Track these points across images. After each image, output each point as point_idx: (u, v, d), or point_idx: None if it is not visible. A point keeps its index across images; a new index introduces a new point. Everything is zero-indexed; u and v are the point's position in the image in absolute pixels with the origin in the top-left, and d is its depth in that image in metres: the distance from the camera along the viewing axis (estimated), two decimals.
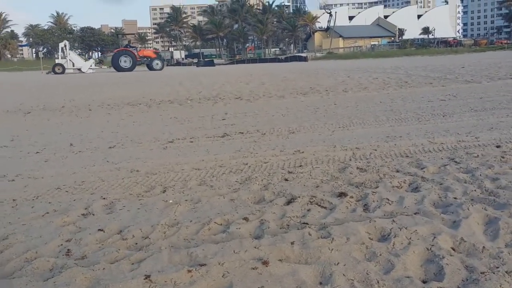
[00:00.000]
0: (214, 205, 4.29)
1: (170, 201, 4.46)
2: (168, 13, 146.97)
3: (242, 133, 8.39)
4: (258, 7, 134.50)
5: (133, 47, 56.86)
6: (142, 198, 4.64)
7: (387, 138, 7.19)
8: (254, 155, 6.37)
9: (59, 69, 50.58)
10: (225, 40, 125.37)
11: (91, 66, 53.36)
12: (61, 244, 3.52)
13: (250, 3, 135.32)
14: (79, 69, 51.55)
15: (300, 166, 5.64)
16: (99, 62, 54.26)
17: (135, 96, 17.00)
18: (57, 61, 53.40)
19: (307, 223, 3.68)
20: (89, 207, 4.38)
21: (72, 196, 4.79)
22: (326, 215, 3.87)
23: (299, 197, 4.32)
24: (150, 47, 60.91)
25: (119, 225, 3.88)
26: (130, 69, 49.91)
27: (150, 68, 51.32)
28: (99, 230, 3.77)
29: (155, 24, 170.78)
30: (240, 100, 14.48)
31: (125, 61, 50.38)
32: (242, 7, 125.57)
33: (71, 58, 52.43)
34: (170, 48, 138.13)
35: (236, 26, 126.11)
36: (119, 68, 50.00)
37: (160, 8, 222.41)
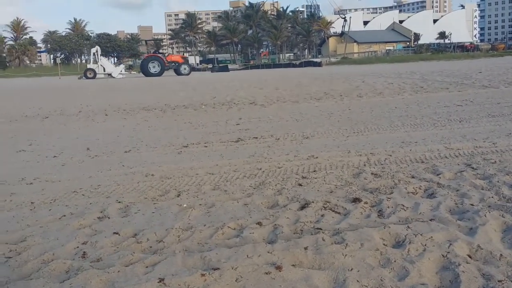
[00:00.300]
0: (228, 209, 4.30)
1: (184, 205, 4.48)
2: (183, 19, 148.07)
3: (256, 138, 8.39)
4: (273, 13, 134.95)
5: (161, 53, 58.06)
6: (157, 202, 4.67)
7: (402, 144, 7.14)
8: (268, 160, 6.38)
9: (90, 74, 51.93)
10: (239, 45, 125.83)
11: (121, 71, 54.59)
12: (77, 247, 3.55)
13: (265, 9, 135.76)
14: (110, 74, 52.92)
15: (314, 171, 5.63)
16: (129, 67, 55.20)
17: (150, 101, 17.11)
18: (88, 66, 54.90)
19: (320, 229, 3.67)
20: (104, 210, 4.42)
21: (88, 200, 4.84)
22: (340, 221, 3.86)
23: (312, 202, 4.31)
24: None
25: (134, 228, 3.91)
26: (159, 74, 50.75)
27: (178, 73, 52.07)
28: (114, 233, 3.80)
29: (170, 30, 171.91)
30: (254, 105, 14.50)
31: (153, 67, 51.27)
32: (257, 12, 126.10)
33: (102, 64, 53.97)
34: (185, 54, 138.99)
35: (250, 31, 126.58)
36: (148, 74, 50.90)
37: (175, 14, 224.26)
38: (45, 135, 10.06)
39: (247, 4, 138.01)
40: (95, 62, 53.45)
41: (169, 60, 52.89)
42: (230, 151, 7.25)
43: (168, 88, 24.89)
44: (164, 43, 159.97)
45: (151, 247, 3.53)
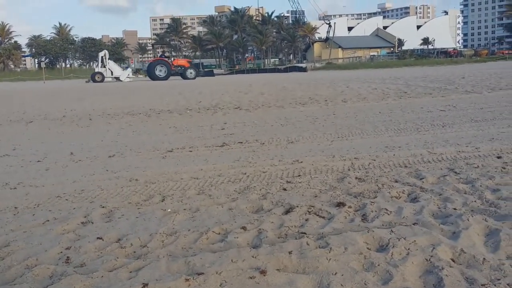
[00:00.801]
0: (212, 214, 4.30)
1: (169, 210, 4.47)
2: (168, 24, 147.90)
3: (241, 142, 8.40)
4: (258, 18, 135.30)
5: (167, 57, 58.57)
6: (141, 207, 4.64)
7: (386, 148, 7.20)
8: (252, 164, 6.38)
9: (98, 77, 52.41)
10: (224, 50, 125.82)
11: (128, 75, 54.83)
12: (61, 252, 3.53)
13: (250, 14, 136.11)
14: (118, 78, 53.34)
15: (299, 176, 5.65)
16: (136, 71, 55.51)
17: (135, 105, 17.03)
18: (96, 69, 55.24)
19: (305, 233, 3.68)
20: (88, 215, 4.39)
21: (72, 205, 4.80)
22: (324, 225, 3.87)
23: (297, 206, 4.33)
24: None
25: (118, 233, 3.89)
26: (165, 78, 50.95)
27: (184, 77, 52.26)
28: (98, 238, 3.77)
29: (155, 34, 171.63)
30: (239, 110, 14.51)
31: (160, 70, 51.40)
32: (242, 18, 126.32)
33: (110, 67, 54.43)
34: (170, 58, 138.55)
35: (235, 36, 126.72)
36: (154, 77, 51.00)
37: (160, 19, 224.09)
38: (29, 139, 9.96)
39: (232, 9, 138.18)
40: (103, 66, 53.70)
41: (175, 64, 53.22)
42: (215, 156, 7.24)
43: (154, 93, 24.78)
44: (149, 47, 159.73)
45: (135, 252, 3.52)
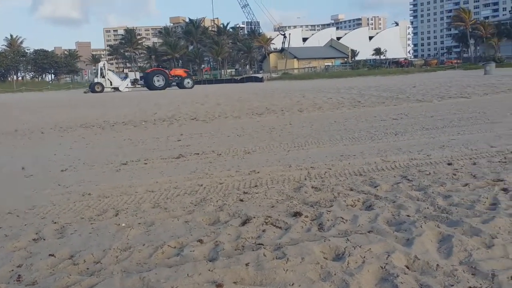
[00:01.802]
0: (168, 227, 4.22)
1: (123, 225, 4.36)
2: (122, 35, 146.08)
3: (198, 154, 8.32)
4: (213, 29, 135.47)
5: (164, 67, 58.91)
6: (94, 222, 4.51)
7: (341, 157, 7.28)
8: (209, 176, 6.33)
9: (98, 87, 52.15)
10: (180, 61, 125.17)
11: (127, 85, 54.42)
12: (12, 270, 3.39)
13: (205, 25, 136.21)
14: (117, 88, 53.02)
15: (256, 186, 5.63)
16: (134, 81, 55.13)
17: (89, 118, 16.67)
18: (96, 80, 54.71)
19: (262, 244, 3.66)
20: (40, 231, 4.24)
21: (23, 221, 4.62)
22: (281, 235, 3.86)
23: (254, 217, 4.30)
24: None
25: (70, 250, 3.76)
26: (163, 87, 51.41)
27: (181, 86, 52.78)
28: (50, 255, 3.64)
29: (109, 45, 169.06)
30: (196, 121, 14.42)
31: (158, 80, 52.06)
32: (197, 28, 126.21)
33: (110, 78, 54.11)
34: (124, 70, 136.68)
35: (191, 47, 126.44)
36: (152, 87, 51.26)
37: (114, 30, 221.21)
38: None
39: (187, 20, 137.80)
40: (103, 76, 53.35)
41: (172, 74, 53.96)
42: (170, 168, 7.14)
43: (109, 105, 24.35)
44: (102, 59, 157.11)
45: (88, 268, 3.40)
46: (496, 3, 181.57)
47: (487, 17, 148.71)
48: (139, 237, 4.02)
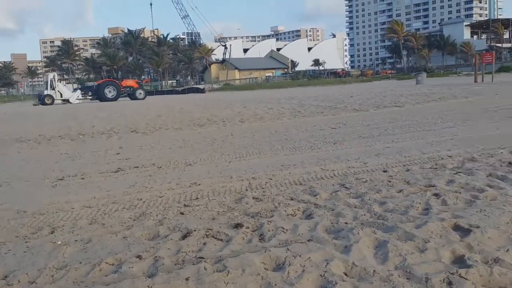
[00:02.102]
0: (106, 244, 4.10)
1: (59, 243, 4.20)
2: (59, 46, 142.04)
3: (137, 167, 8.17)
4: (153, 40, 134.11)
5: (116, 78, 57.47)
6: (29, 241, 4.32)
7: (282, 167, 7.35)
8: (149, 189, 6.22)
9: (48, 100, 49.89)
10: (120, 72, 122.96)
11: (78, 97, 52.34)
12: None
13: (144, 36, 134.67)
14: (67, 100, 50.83)
15: (197, 198, 5.59)
16: (85, 93, 53.10)
17: (24, 132, 16.01)
18: (46, 92, 52.25)
19: (202, 257, 3.62)
20: None
21: None
22: (222, 248, 3.84)
23: (194, 230, 4.26)
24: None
25: (4, 270, 3.60)
26: (115, 99, 50.08)
27: (133, 97, 51.60)
28: None
29: (45, 57, 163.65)
30: (136, 133, 14.16)
31: (109, 91, 50.71)
32: (136, 39, 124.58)
33: (60, 89, 51.86)
34: (62, 82, 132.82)
35: (131, 58, 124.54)
36: (103, 98, 49.68)
37: (50, 41, 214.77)
38: None
39: (126, 30, 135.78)
40: (53, 88, 51.25)
41: (124, 85, 52.85)
42: (109, 182, 6.96)
43: (46, 118, 23.50)
44: (39, 71, 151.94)
45: None
46: (426, 16, 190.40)
47: (418, 29, 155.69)
48: (75, 255, 3.88)
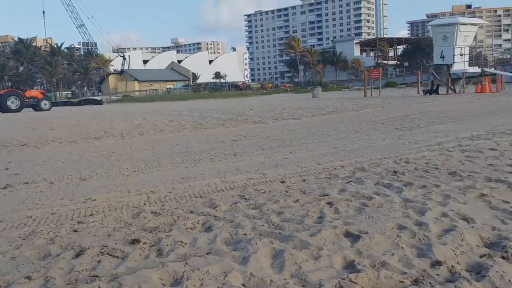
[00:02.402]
0: None
1: None
2: None
3: (28, 183, 7.69)
4: (46, 49, 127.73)
5: (19, 88, 53.37)
6: None
7: (182, 180, 7.29)
8: (40, 206, 5.87)
9: None
10: (9, 82, 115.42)
11: None
12: None
13: (37, 45, 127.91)
14: None
15: (91, 215, 5.37)
16: None
17: None
18: None
19: (97, 276, 3.48)
20: None
21: None
22: (118, 265, 3.72)
23: (88, 248, 4.08)
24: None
25: None
26: (18, 110, 46.47)
27: (37, 108, 48.44)
28: None
29: None
30: (27, 147, 13.35)
31: (12, 102, 46.93)
32: (28, 48, 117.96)
33: None
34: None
35: (21, 68, 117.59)
36: (6, 109, 45.72)
37: None
38: None
39: (16, 39, 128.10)
40: None
41: (28, 96, 49.27)
42: None
43: None
44: None
45: None
46: (320, 33, 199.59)
47: (313, 45, 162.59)
48: None
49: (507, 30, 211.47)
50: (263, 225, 4.63)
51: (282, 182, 6.76)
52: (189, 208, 5.47)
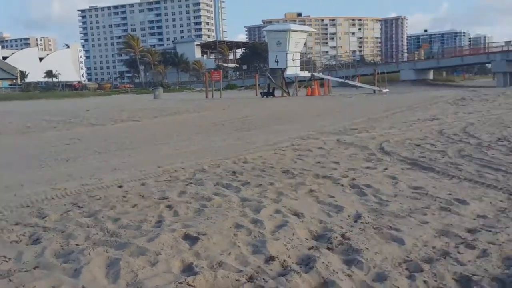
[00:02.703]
0: None
1: None
2: None
3: None
4: None
5: None
6: None
7: (6, 189, 6.63)
8: None
9: None
10: None
11: None
12: None
13: None
14: None
15: None
16: None
17: None
18: None
19: None
20: None
21: None
22: None
23: None
24: None
25: None
26: None
27: None
28: None
29: None
30: None
31: None
32: None
33: None
34: None
35: None
36: None
37: None
38: None
39: None
40: None
41: None
42: None
43: None
44: None
45: None
46: (160, 33, 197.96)
47: (154, 46, 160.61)
48: None
49: (333, 38, 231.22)
50: (97, 234, 4.41)
51: (120, 187, 6.52)
52: (15, 220, 4.99)
